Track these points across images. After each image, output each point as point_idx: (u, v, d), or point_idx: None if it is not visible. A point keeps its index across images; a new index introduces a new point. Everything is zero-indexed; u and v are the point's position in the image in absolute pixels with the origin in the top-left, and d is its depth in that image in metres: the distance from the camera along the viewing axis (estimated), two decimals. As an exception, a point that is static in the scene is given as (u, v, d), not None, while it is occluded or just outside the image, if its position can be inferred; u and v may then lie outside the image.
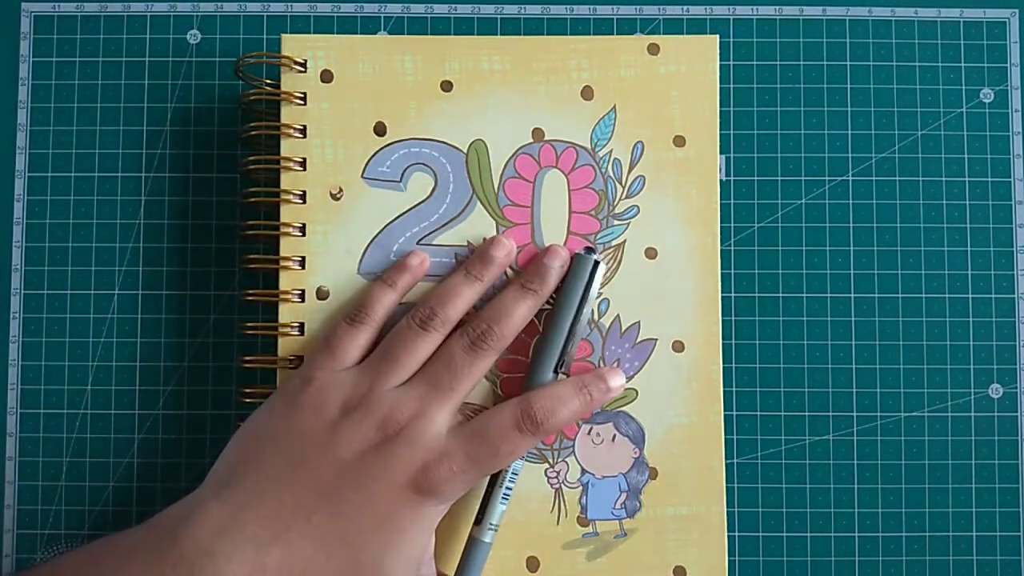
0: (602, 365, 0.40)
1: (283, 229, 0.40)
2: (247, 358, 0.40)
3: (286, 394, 0.37)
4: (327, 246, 0.40)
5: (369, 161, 0.40)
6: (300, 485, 0.34)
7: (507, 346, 0.38)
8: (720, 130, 0.41)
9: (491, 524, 0.38)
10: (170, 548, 0.33)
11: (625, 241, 0.40)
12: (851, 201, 0.44)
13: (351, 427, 0.35)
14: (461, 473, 0.35)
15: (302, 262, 0.40)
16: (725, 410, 0.41)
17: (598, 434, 0.40)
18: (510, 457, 0.36)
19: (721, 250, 0.41)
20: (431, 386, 0.37)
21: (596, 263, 0.39)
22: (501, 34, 0.45)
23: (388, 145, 0.40)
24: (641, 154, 0.41)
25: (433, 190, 0.40)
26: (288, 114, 0.40)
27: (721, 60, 0.41)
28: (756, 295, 0.44)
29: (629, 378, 0.40)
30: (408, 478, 0.35)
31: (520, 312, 0.38)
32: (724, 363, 0.41)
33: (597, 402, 0.38)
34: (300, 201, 0.40)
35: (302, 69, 0.40)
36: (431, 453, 0.35)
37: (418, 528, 0.35)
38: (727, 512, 0.40)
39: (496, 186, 0.40)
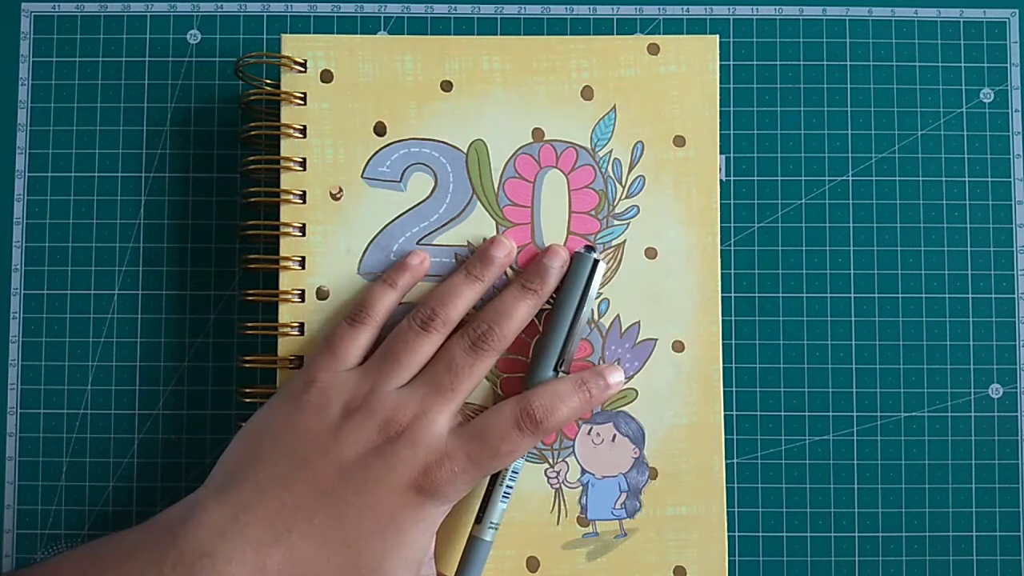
0: (602, 364, 0.40)
1: (283, 229, 0.40)
2: (247, 358, 0.40)
3: (288, 395, 0.37)
4: (327, 246, 0.40)
5: (369, 161, 0.40)
6: (301, 486, 0.34)
7: (508, 346, 0.38)
8: (720, 130, 0.41)
9: (492, 523, 0.38)
10: (170, 548, 0.33)
11: (625, 241, 0.40)
12: (851, 201, 0.44)
13: (353, 428, 0.35)
14: (463, 474, 0.35)
15: (302, 262, 0.40)
16: (725, 410, 0.41)
17: (598, 434, 0.40)
18: (511, 457, 0.36)
19: (721, 250, 0.41)
20: (432, 387, 0.37)
21: (596, 262, 0.39)
22: (501, 34, 0.45)
23: (388, 145, 0.40)
24: (641, 154, 0.41)
25: (433, 190, 0.40)
26: (288, 114, 0.40)
27: (721, 60, 0.41)
28: (756, 295, 0.44)
29: (629, 378, 0.40)
30: (410, 479, 0.35)
31: (520, 312, 0.38)
32: (724, 363, 0.41)
33: (596, 399, 0.38)
34: (300, 201, 0.40)
35: (302, 69, 0.40)
36: (432, 454, 0.35)
37: (419, 529, 0.35)
38: (727, 512, 0.40)
39: (496, 186, 0.40)
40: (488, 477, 0.38)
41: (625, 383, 0.40)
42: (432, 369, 0.37)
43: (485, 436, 0.36)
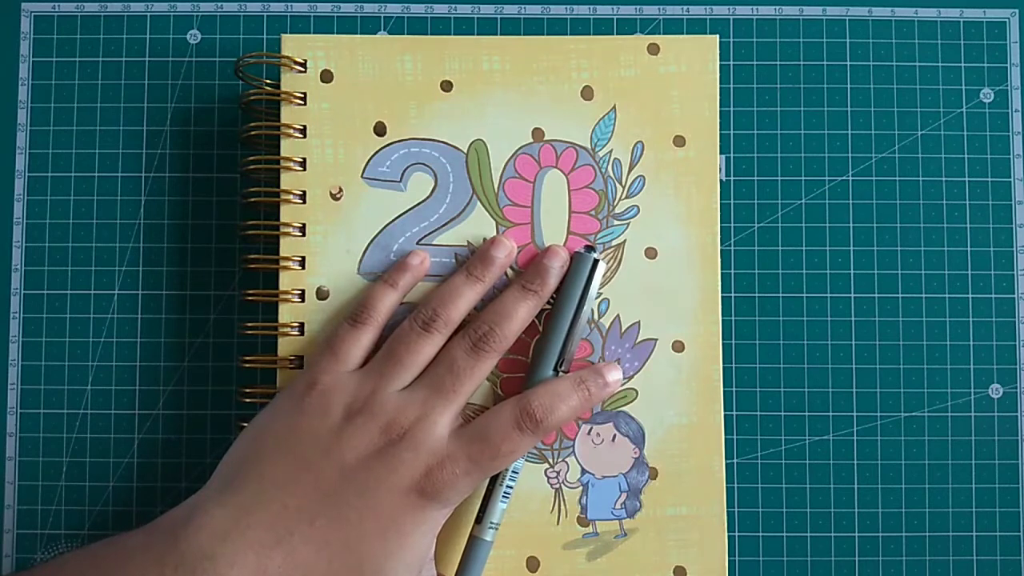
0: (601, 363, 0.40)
1: (283, 229, 0.40)
2: (247, 358, 0.40)
3: (290, 397, 0.37)
4: (327, 246, 0.40)
5: (369, 161, 0.40)
6: (303, 489, 0.34)
7: (509, 347, 0.38)
8: (720, 130, 0.41)
9: (492, 523, 0.38)
10: (171, 551, 0.33)
11: (625, 241, 0.40)
12: (851, 201, 0.44)
13: (355, 431, 0.35)
14: (464, 476, 0.35)
15: (302, 262, 0.40)
16: (725, 410, 0.41)
17: (598, 434, 0.40)
18: (511, 457, 0.36)
19: (721, 250, 0.41)
20: (434, 389, 0.37)
21: (596, 261, 0.39)
22: (501, 34, 0.45)
23: (388, 145, 0.40)
24: (641, 154, 0.41)
25: (433, 190, 0.40)
26: (288, 114, 0.40)
27: (721, 60, 0.41)
28: (756, 295, 0.44)
29: (629, 378, 0.40)
30: (411, 482, 0.35)
31: (521, 313, 0.38)
32: (724, 363, 0.41)
33: (595, 397, 0.38)
34: (300, 201, 0.40)
35: (302, 69, 0.40)
36: (434, 457, 0.35)
37: (421, 532, 0.35)
38: (727, 512, 0.40)
39: (496, 186, 0.40)
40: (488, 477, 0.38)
41: (625, 383, 0.40)
42: (433, 371, 0.37)
43: (486, 437, 0.36)
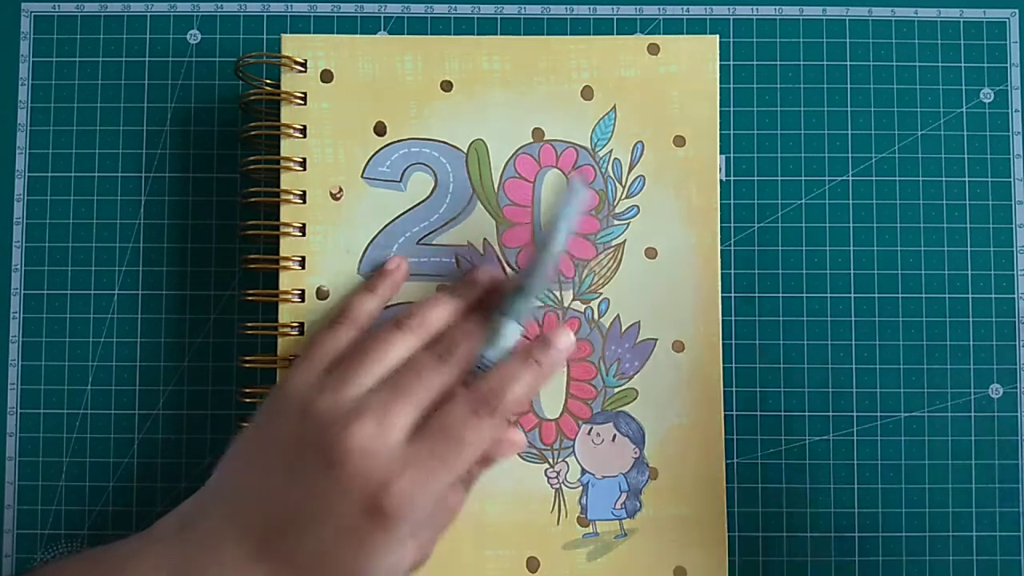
0: (602, 365, 0.40)
1: (283, 229, 0.40)
2: (247, 358, 0.40)
3: (268, 400, 0.36)
4: (327, 246, 0.40)
5: (369, 161, 0.40)
6: (274, 500, 0.33)
7: (510, 411, 0.36)
8: (720, 130, 0.41)
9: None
10: (162, 562, 0.33)
11: (625, 241, 0.40)
12: (851, 201, 0.44)
13: (317, 436, 0.33)
14: (431, 477, 0.33)
15: (302, 262, 0.40)
16: (725, 410, 0.41)
17: (598, 434, 0.40)
18: (477, 447, 0.34)
19: (721, 250, 0.41)
20: (394, 392, 0.34)
21: (574, 187, 0.38)
22: (501, 34, 0.45)
23: (388, 145, 0.40)
24: (641, 154, 0.41)
25: (433, 190, 0.40)
26: (288, 114, 0.40)
27: (721, 60, 0.41)
28: (756, 295, 0.44)
29: (629, 378, 0.40)
30: (370, 496, 0.32)
31: (527, 380, 0.35)
32: (724, 363, 0.41)
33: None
34: (300, 201, 0.40)
35: (302, 69, 0.40)
36: (396, 463, 0.33)
37: (391, 545, 0.33)
38: (727, 512, 0.40)
39: (496, 186, 0.40)
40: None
41: (625, 383, 0.40)
42: (401, 377, 0.35)
43: (446, 431, 0.33)
